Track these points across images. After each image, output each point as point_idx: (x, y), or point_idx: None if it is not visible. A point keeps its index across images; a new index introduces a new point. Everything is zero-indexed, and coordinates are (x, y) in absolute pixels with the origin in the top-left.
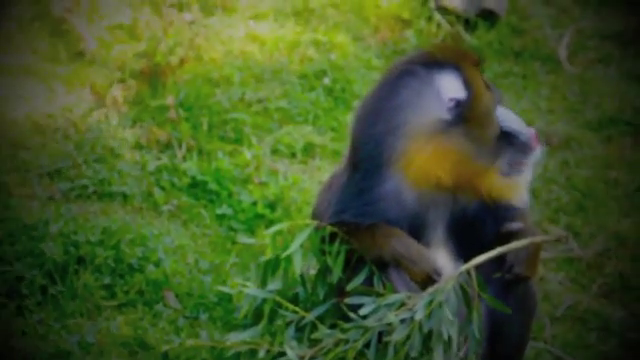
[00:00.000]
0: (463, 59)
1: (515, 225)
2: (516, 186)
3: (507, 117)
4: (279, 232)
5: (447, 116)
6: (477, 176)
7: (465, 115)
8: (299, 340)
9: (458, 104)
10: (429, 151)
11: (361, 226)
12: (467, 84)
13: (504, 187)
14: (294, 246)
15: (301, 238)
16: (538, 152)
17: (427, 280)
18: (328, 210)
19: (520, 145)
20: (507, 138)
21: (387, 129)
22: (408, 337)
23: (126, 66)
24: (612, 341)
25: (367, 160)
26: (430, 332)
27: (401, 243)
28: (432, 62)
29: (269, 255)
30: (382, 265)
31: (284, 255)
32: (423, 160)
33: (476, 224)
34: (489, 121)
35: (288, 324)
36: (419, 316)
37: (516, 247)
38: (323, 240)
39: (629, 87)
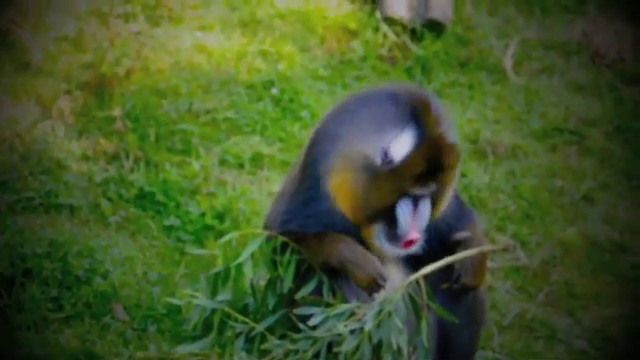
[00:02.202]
0: (438, 147)
1: (462, 235)
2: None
3: (413, 210)
4: (229, 242)
5: (376, 158)
6: (363, 225)
7: (380, 171)
8: (249, 351)
9: (386, 156)
10: (342, 179)
11: (308, 234)
12: (409, 157)
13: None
14: (244, 255)
15: (251, 247)
16: (396, 251)
17: (373, 284)
18: (277, 219)
19: (391, 234)
20: (393, 221)
21: (333, 136)
22: (358, 347)
23: (72, 77)
24: (559, 349)
25: (313, 164)
26: (380, 342)
27: (348, 248)
28: (418, 113)
29: (219, 266)
30: (330, 272)
31: (234, 264)
32: (336, 185)
33: (423, 235)
34: (385, 194)
35: (238, 335)
36: (368, 326)
37: (464, 256)
38: (274, 250)
39: (573, 97)
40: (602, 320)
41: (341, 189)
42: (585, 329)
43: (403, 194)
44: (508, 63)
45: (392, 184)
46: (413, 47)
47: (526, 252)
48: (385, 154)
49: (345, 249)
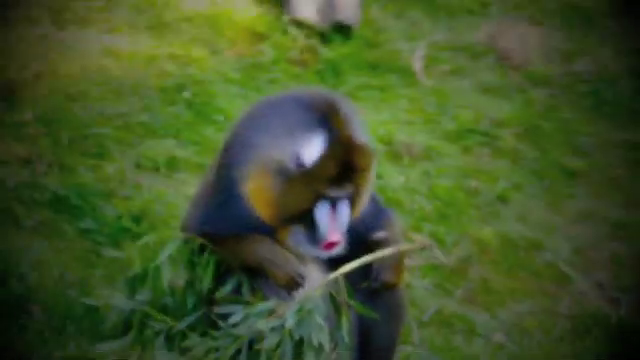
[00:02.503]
0: (349, 149)
1: (381, 234)
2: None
3: (332, 212)
4: (147, 244)
5: (289, 163)
6: (281, 228)
7: (293, 175)
8: (170, 349)
9: (298, 160)
10: (257, 186)
11: (226, 235)
12: (320, 160)
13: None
14: (162, 257)
15: (169, 250)
16: (318, 254)
17: (291, 283)
18: (193, 222)
19: (312, 237)
20: (312, 224)
21: (247, 143)
22: (279, 344)
23: None
24: (477, 343)
25: (227, 171)
26: (301, 339)
27: (265, 248)
28: (327, 117)
29: (137, 268)
30: (249, 271)
31: (152, 266)
32: (252, 191)
33: (344, 237)
34: (301, 198)
35: (158, 334)
36: (289, 323)
37: (382, 255)
38: (192, 252)
39: (482, 98)
40: (518, 315)
41: (257, 195)
42: (502, 323)
43: (319, 197)
44: (417, 65)
45: (306, 187)
46: (322, 50)
47: (443, 251)
48: (297, 158)
49: (263, 249)
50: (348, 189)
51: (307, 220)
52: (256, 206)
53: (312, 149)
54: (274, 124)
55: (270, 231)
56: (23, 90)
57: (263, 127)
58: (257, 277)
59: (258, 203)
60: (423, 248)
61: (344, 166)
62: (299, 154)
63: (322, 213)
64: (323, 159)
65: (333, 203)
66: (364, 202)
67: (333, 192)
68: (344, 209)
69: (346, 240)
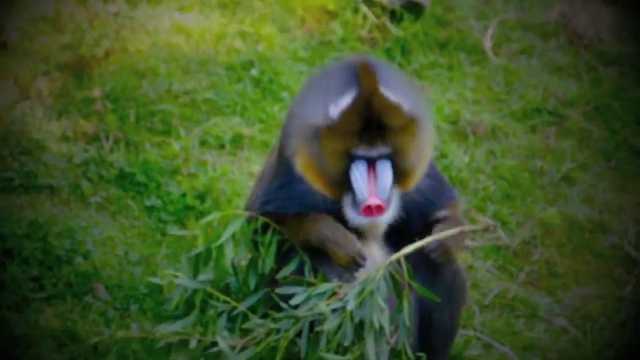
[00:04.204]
0: (372, 103)
1: (442, 214)
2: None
3: (371, 174)
4: (210, 223)
5: (318, 121)
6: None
7: (323, 132)
8: (231, 330)
9: (325, 116)
10: (304, 156)
11: (289, 214)
12: (344, 113)
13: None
14: (225, 236)
15: (232, 228)
16: (360, 220)
17: (352, 263)
18: (257, 201)
19: (352, 202)
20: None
21: (293, 116)
22: (339, 326)
23: (50, 58)
24: (539, 327)
25: (283, 149)
26: (362, 321)
27: (327, 227)
28: (358, 75)
29: (200, 246)
30: (311, 251)
31: (215, 245)
32: (303, 165)
33: (404, 215)
34: (335, 156)
35: (220, 314)
36: (350, 305)
37: (445, 236)
38: (255, 231)
39: (551, 78)
40: (581, 298)
41: (307, 167)
42: (565, 307)
43: (351, 155)
44: (487, 44)
45: (336, 144)
46: (392, 28)
47: (507, 232)
48: (325, 114)
49: (325, 228)
50: (381, 149)
51: (349, 185)
52: (311, 180)
53: (339, 104)
54: (312, 92)
55: (334, 209)
56: (93, 67)
57: (304, 97)
58: (319, 257)
59: (311, 176)
60: (486, 229)
61: (370, 122)
62: (327, 111)
63: (357, 174)
64: (347, 112)
65: (371, 164)
66: (415, 170)
67: (364, 151)
68: (384, 172)
69: (403, 215)
